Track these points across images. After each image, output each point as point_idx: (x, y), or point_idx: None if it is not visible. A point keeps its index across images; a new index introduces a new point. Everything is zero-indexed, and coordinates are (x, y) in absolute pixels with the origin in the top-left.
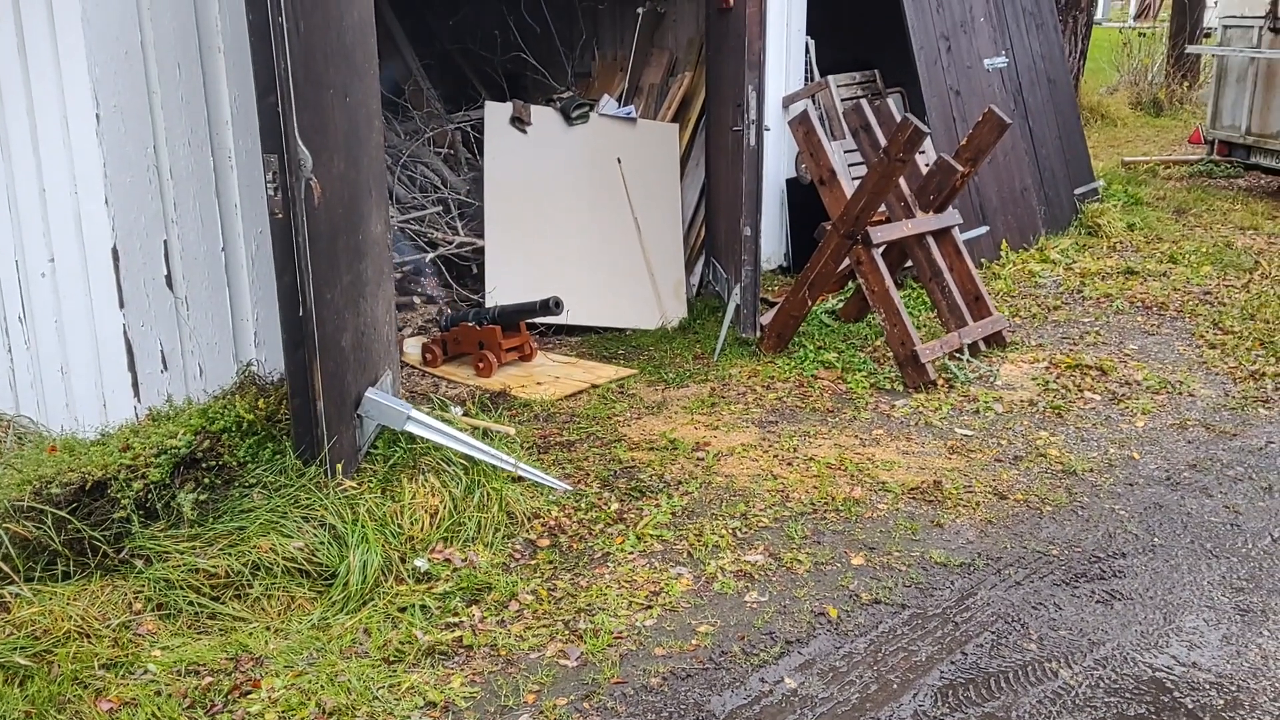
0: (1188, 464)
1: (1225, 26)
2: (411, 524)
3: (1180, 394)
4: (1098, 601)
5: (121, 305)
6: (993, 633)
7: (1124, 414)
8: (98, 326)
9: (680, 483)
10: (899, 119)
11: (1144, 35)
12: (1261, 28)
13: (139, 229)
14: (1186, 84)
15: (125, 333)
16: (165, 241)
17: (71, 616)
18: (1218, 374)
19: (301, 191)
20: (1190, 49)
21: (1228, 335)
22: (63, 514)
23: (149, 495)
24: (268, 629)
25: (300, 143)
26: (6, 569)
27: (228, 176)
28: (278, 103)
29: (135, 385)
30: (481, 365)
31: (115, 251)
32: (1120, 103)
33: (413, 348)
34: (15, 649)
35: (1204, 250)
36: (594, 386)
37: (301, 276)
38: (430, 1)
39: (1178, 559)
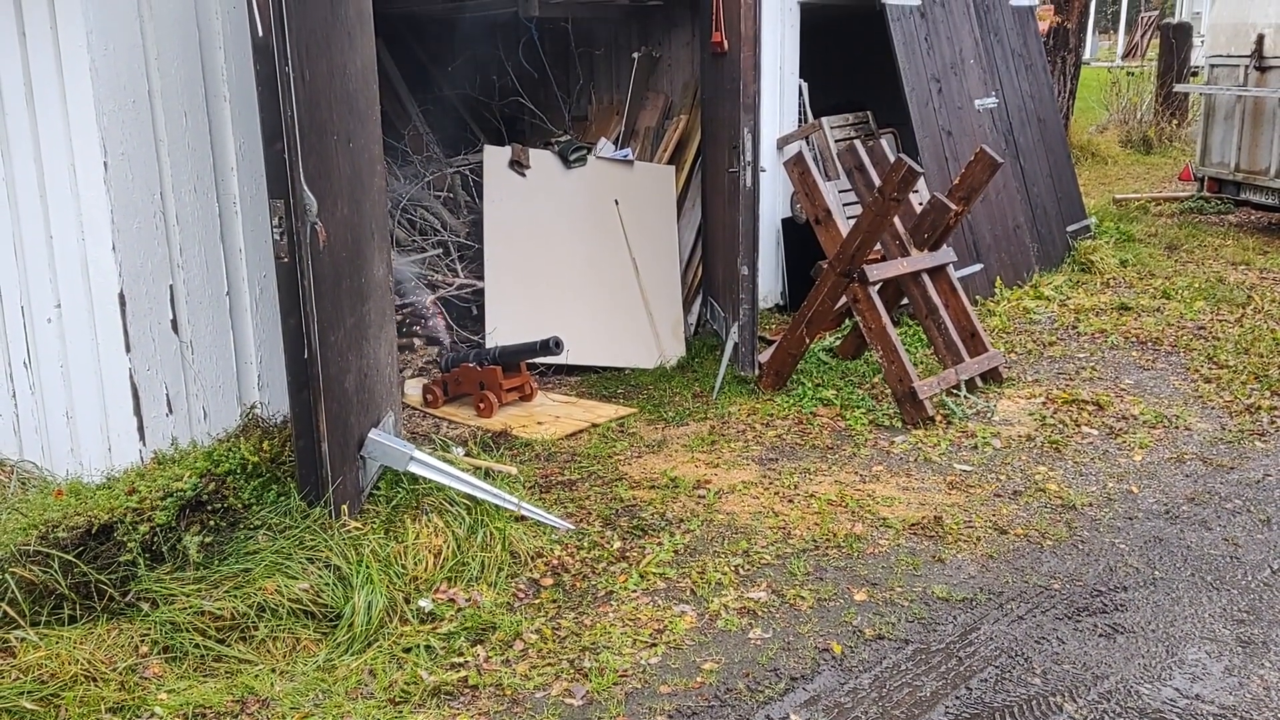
0: (1186, 497)
1: (1212, 65)
2: (415, 564)
3: (1177, 428)
4: (1100, 635)
5: (128, 349)
6: (997, 667)
7: (1121, 448)
8: (103, 371)
9: (682, 520)
10: (892, 159)
11: (1132, 74)
12: (1247, 66)
13: (145, 274)
14: (1175, 122)
15: (131, 377)
16: (171, 286)
17: (78, 660)
18: (1214, 408)
19: (307, 236)
20: (1178, 87)
21: (1222, 369)
22: (69, 558)
23: (155, 538)
24: (273, 671)
25: (306, 188)
26: (13, 613)
27: (232, 222)
28: (284, 149)
29: (141, 429)
30: (482, 405)
31: (122, 296)
32: (1110, 141)
33: (414, 389)
34: (22, 693)
35: (1197, 286)
36: (594, 425)
37: (306, 319)
38: (429, 48)
39: (1179, 592)
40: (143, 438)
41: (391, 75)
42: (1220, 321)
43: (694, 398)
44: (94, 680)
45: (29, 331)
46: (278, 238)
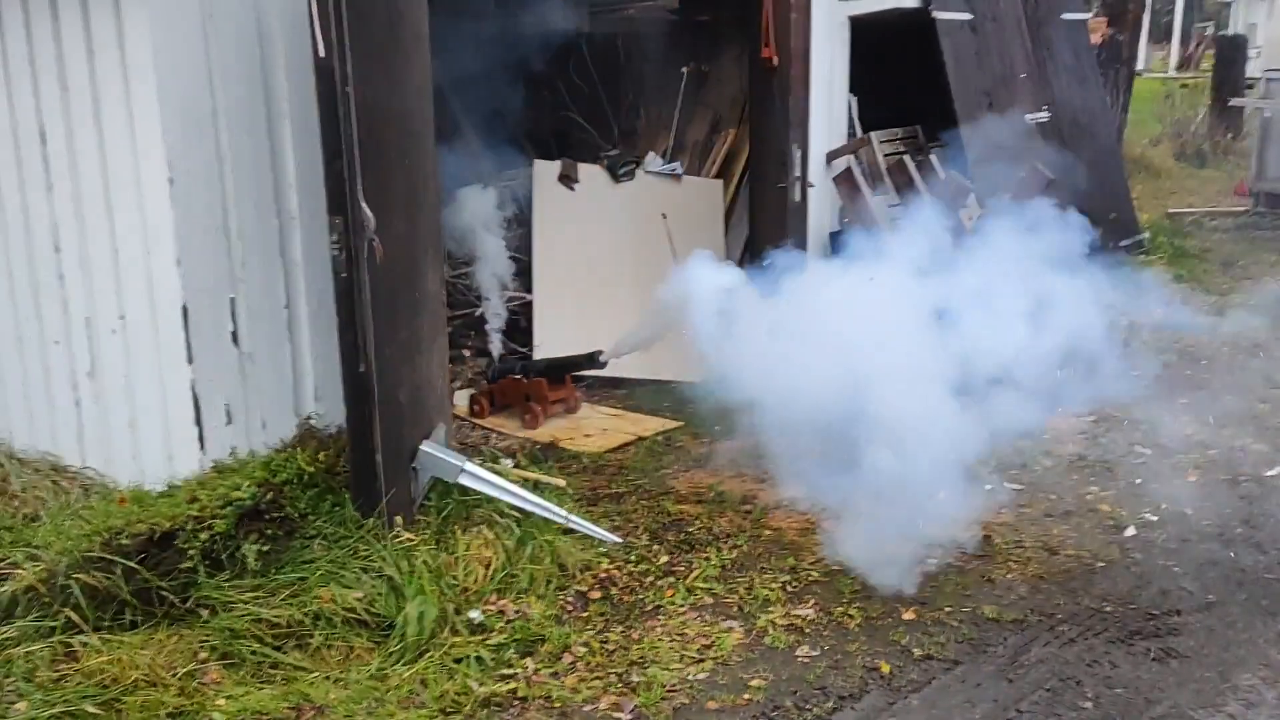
0: (1241, 519)
1: (1269, 79)
2: (466, 575)
3: (1232, 448)
4: (1153, 659)
5: (190, 361)
6: (1048, 690)
7: (1175, 468)
8: (166, 382)
9: (729, 535)
10: (942, 175)
11: (1186, 87)
12: None
13: (208, 287)
14: (1230, 135)
15: (193, 387)
16: (232, 299)
17: (139, 665)
18: (1269, 428)
19: (364, 251)
20: (1233, 101)
21: (1278, 390)
22: (131, 564)
23: (215, 546)
24: (328, 678)
25: (364, 205)
26: (76, 618)
27: (291, 236)
28: (343, 167)
29: (201, 439)
30: (528, 417)
31: (185, 309)
32: (1164, 154)
33: (461, 400)
34: (85, 697)
35: (1253, 303)
36: (641, 439)
37: (363, 333)
38: (482, 64)
39: (1233, 616)
40: (203, 447)
41: (444, 91)
42: (1277, 340)
43: None
44: (154, 685)
45: (93, 343)
46: (336, 253)
